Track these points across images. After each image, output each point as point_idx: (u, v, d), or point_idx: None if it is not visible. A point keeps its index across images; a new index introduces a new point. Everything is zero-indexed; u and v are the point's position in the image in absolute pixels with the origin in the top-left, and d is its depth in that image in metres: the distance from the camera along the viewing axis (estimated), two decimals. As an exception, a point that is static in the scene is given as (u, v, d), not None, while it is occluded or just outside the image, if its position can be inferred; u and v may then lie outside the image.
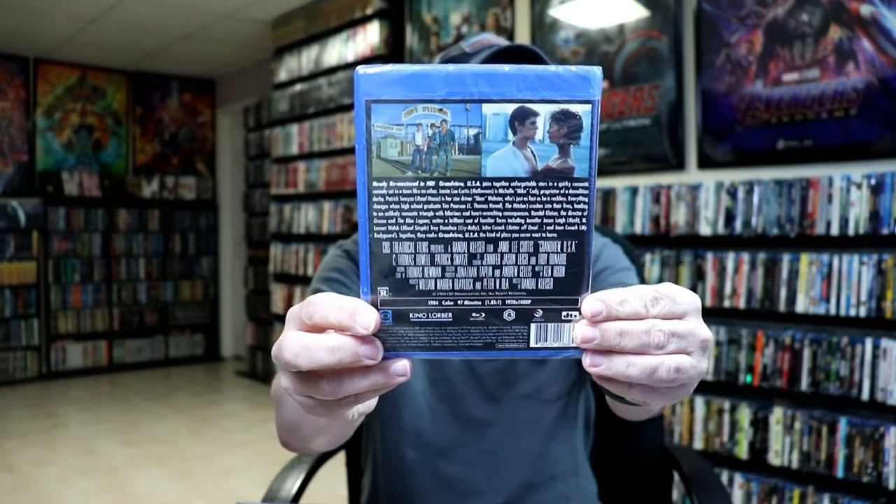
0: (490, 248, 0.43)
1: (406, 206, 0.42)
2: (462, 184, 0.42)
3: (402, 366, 0.42)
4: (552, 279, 0.44)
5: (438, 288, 0.44)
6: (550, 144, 0.42)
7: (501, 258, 0.43)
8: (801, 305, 2.18)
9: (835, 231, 2.13)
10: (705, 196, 2.42)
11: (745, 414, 2.29)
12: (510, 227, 0.43)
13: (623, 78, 2.80)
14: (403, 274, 0.43)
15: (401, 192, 0.42)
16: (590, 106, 0.42)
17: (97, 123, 6.00)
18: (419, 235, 0.43)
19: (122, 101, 6.13)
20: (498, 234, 0.43)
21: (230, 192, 6.54)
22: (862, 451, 2.03)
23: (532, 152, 0.42)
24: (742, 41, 2.42)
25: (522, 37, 3.20)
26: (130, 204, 5.98)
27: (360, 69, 0.41)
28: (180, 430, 4.09)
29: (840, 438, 2.08)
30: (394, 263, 0.43)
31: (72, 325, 5.65)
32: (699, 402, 2.38)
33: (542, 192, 0.42)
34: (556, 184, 0.42)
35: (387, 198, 0.42)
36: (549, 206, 0.43)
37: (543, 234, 0.43)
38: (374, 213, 0.42)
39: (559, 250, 0.43)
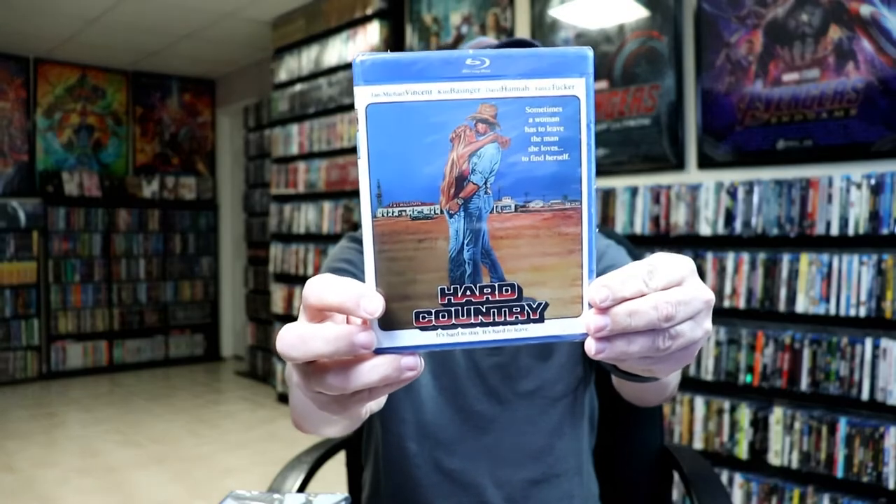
0: None
1: None
2: None
3: (412, 360, 0.40)
4: None
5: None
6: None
7: None
8: (801, 305, 2.18)
9: (835, 231, 2.13)
10: (705, 196, 2.42)
11: (744, 414, 2.29)
12: None
13: (623, 78, 2.80)
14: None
15: None
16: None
17: (97, 123, 6.00)
18: None
19: (122, 101, 6.13)
20: None
21: (230, 193, 6.54)
22: (862, 451, 2.03)
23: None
24: (742, 41, 2.42)
25: (522, 36, 3.20)
26: (130, 204, 5.97)
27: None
28: (180, 431, 4.09)
29: (840, 438, 2.08)
30: None
31: (72, 326, 5.65)
32: (699, 402, 2.38)
33: None
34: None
35: None
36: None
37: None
38: None
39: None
